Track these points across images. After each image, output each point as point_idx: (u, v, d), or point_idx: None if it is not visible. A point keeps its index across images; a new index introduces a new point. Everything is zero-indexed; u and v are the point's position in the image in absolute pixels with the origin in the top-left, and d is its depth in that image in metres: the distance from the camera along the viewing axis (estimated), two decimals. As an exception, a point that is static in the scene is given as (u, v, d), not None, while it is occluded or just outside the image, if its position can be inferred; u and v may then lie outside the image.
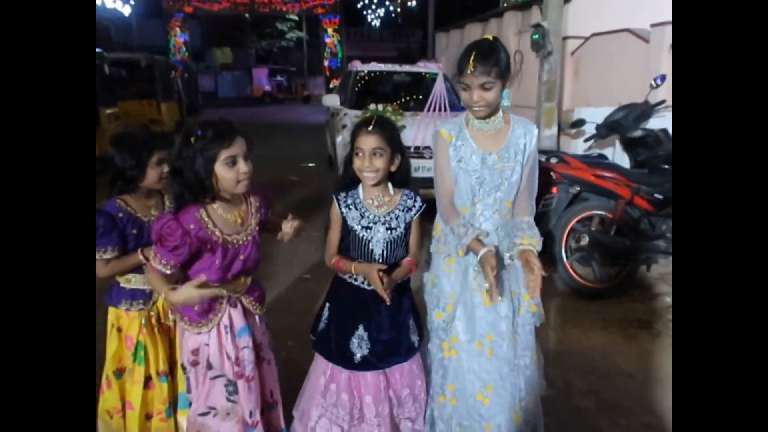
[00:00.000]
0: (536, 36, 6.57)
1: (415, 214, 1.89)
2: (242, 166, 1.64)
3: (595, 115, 4.61)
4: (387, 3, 31.09)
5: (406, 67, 7.99)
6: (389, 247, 1.86)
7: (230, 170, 1.63)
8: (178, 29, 22.46)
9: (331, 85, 19.83)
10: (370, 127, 1.79)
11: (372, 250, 1.85)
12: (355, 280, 1.88)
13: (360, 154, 1.80)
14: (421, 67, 7.74)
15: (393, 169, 1.85)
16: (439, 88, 5.42)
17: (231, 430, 1.79)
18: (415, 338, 1.96)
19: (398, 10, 31.96)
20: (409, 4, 29.15)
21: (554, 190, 3.83)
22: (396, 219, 1.86)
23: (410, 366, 1.96)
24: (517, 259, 1.83)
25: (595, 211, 3.81)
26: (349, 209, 1.86)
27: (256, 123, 14.96)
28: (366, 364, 1.87)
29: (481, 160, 1.86)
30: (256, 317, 1.90)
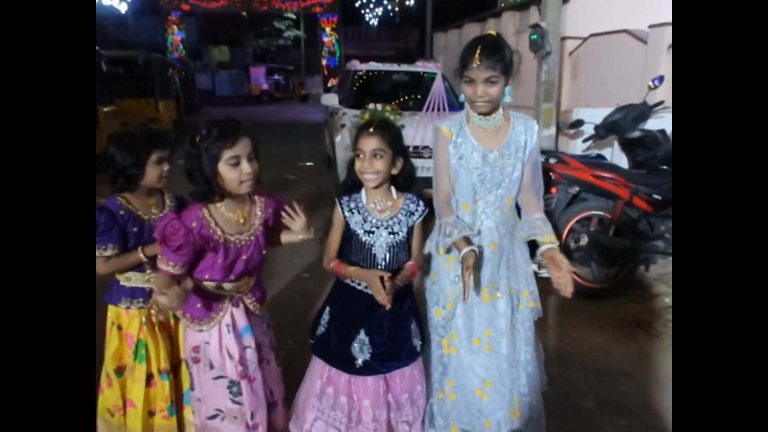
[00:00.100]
0: (534, 36, 6.56)
1: (417, 219, 1.88)
2: (245, 167, 1.63)
3: (594, 116, 4.61)
4: (385, 2, 31.05)
5: (405, 67, 8.00)
6: (392, 251, 1.85)
7: (233, 170, 1.62)
8: (175, 27, 22.39)
9: (329, 84, 19.75)
10: (372, 129, 1.79)
11: (374, 255, 1.84)
12: (358, 284, 1.87)
13: (361, 155, 1.80)
14: (420, 66, 7.75)
15: (395, 172, 1.84)
16: (438, 87, 5.41)
17: None
18: (417, 342, 1.95)
19: (396, 9, 31.93)
20: (407, 3, 29.07)
21: (553, 190, 3.82)
22: (398, 223, 1.85)
23: (411, 371, 1.95)
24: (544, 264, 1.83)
25: (593, 212, 3.81)
26: (352, 213, 1.85)
27: (254, 122, 14.89)
28: (367, 369, 1.86)
29: (482, 157, 1.86)
30: (257, 317, 1.90)
